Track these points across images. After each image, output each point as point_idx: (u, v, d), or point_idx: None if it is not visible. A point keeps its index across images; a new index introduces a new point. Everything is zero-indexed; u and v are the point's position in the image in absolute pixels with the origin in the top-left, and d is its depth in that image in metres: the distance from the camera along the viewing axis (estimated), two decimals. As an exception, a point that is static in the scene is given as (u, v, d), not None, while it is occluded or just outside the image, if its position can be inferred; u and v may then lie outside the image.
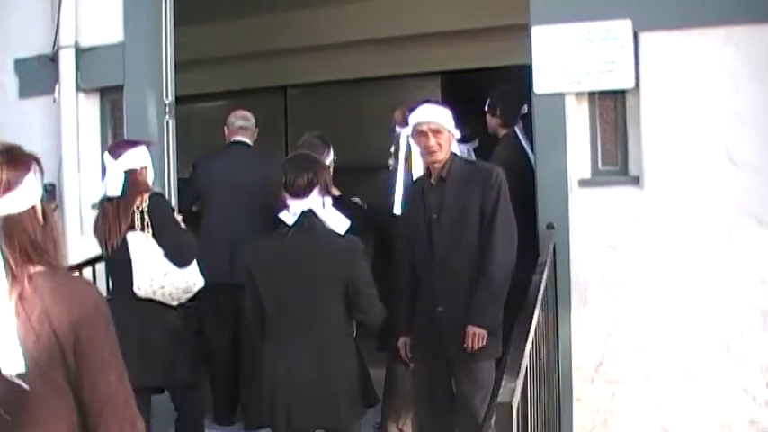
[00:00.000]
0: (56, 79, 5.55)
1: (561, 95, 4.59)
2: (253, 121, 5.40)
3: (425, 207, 3.91)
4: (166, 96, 5.47)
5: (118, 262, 4.09)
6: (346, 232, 3.51)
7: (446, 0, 7.98)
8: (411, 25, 8.13)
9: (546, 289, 3.65)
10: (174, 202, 5.21)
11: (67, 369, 1.85)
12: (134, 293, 4.01)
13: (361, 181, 5.36)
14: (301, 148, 4.35)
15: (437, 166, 3.90)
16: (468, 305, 3.75)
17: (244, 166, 5.18)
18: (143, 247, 4.03)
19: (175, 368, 4.08)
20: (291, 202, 3.45)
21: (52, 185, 5.52)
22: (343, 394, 3.44)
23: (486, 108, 5.26)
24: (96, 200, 5.51)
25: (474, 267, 3.80)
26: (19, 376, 1.78)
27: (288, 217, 3.46)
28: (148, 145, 4.35)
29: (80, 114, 5.61)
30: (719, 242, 4.38)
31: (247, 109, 5.50)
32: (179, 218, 4.36)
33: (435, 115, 3.89)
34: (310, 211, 3.45)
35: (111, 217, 4.07)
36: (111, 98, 5.66)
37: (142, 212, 4.05)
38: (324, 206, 3.49)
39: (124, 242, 4.04)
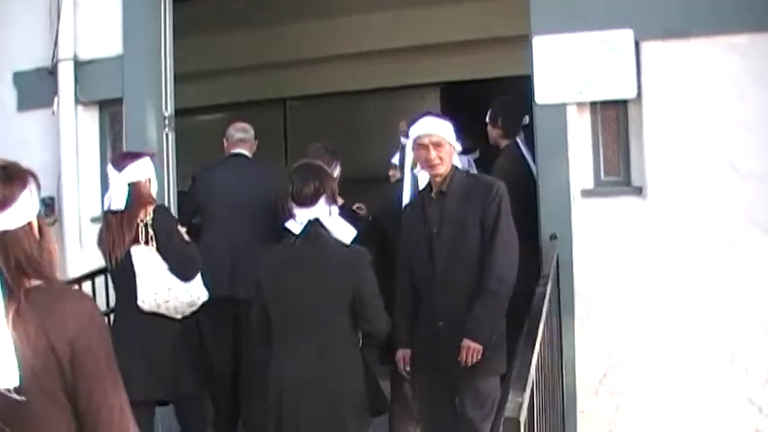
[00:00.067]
0: (54, 92, 5.54)
1: (563, 106, 4.57)
2: (252, 133, 5.36)
3: (426, 221, 3.86)
4: (166, 109, 5.46)
5: (122, 275, 4.07)
6: (352, 242, 3.49)
7: (445, 11, 7.99)
8: (410, 37, 8.14)
9: (549, 301, 3.61)
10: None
11: (65, 380, 1.87)
12: (138, 307, 3.99)
13: (361, 192, 5.33)
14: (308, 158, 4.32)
15: (438, 179, 3.86)
16: (466, 319, 3.71)
17: (243, 178, 5.15)
18: (147, 261, 4.01)
19: (181, 381, 4.07)
20: (298, 210, 3.44)
21: (51, 199, 5.50)
22: (350, 404, 3.42)
23: (487, 119, 5.23)
24: (96, 213, 5.54)
25: (475, 282, 3.75)
26: (16, 388, 1.80)
27: (294, 226, 3.45)
28: (152, 156, 4.34)
29: (79, 127, 5.59)
30: (724, 252, 4.35)
31: (247, 121, 5.46)
32: (183, 230, 4.35)
33: (436, 128, 3.84)
34: (317, 220, 3.44)
35: (116, 229, 4.05)
36: (110, 111, 5.65)
37: (146, 225, 4.03)
38: (330, 215, 3.48)
39: (128, 255, 4.02)
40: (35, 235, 1.94)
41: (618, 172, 4.61)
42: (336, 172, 4.51)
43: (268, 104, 9.15)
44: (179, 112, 5.62)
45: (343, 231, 3.49)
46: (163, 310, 4.03)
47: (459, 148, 3.95)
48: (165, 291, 4.01)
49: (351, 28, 8.37)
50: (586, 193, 4.59)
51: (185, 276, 4.08)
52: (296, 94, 9.23)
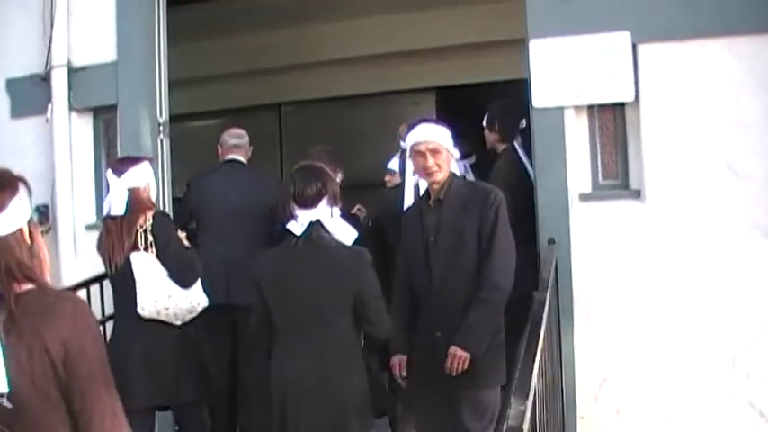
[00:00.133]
0: (48, 99, 5.51)
1: (560, 109, 4.55)
2: (247, 138, 5.33)
3: (423, 229, 3.81)
4: (160, 115, 5.44)
5: (121, 282, 4.06)
6: (353, 243, 3.48)
7: (440, 15, 7.98)
8: (405, 41, 8.12)
9: (549, 306, 3.58)
10: (170, 221, 5.15)
11: (59, 381, 1.90)
12: (138, 313, 3.98)
13: (356, 198, 5.30)
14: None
15: (436, 186, 3.80)
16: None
17: (238, 184, 5.12)
18: (147, 268, 4.00)
19: (181, 387, 4.05)
20: (299, 212, 3.42)
21: (45, 207, 5.47)
22: (353, 405, 3.39)
23: (484, 123, 5.20)
24: (91, 221, 5.51)
25: (472, 291, 3.68)
26: (11, 392, 1.85)
27: (296, 227, 3.43)
28: (151, 161, 4.33)
29: (73, 134, 5.56)
30: (723, 255, 4.33)
31: (241, 127, 5.44)
32: (182, 235, 4.33)
33: (433, 134, 3.77)
34: (318, 221, 3.42)
35: (115, 235, 4.04)
36: (104, 118, 5.62)
37: (146, 231, 4.01)
38: (332, 216, 3.46)
39: (128, 262, 4.00)
40: (26, 241, 1.97)
41: (616, 175, 4.59)
42: (339, 177, 4.48)
43: (263, 110, 9.13)
44: (173, 119, 5.59)
45: (345, 233, 3.47)
46: (163, 317, 4.02)
47: (457, 154, 3.91)
48: (165, 298, 4.00)
49: (345, 32, 8.35)
50: (584, 197, 4.57)
51: (185, 283, 4.07)
52: (290, 100, 9.22)
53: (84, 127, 5.63)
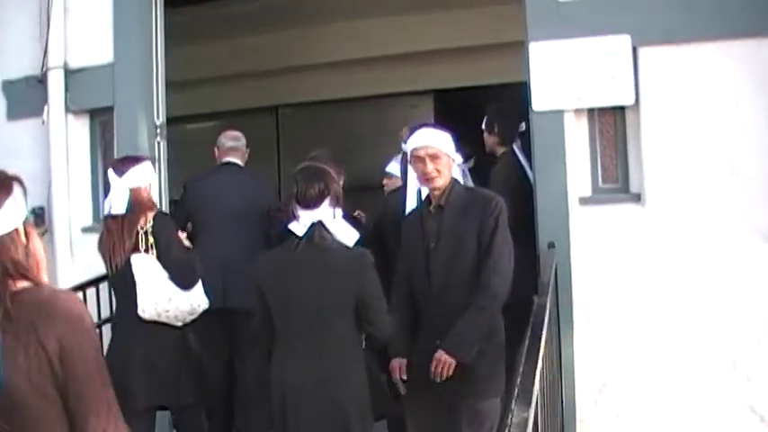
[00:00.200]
0: (45, 101, 5.48)
1: (560, 112, 4.53)
2: (244, 141, 5.31)
3: (424, 235, 3.76)
4: (158, 117, 5.41)
5: (122, 283, 4.04)
6: (355, 245, 3.46)
7: (437, 18, 7.96)
8: (403, 44, 8.10)
9: (549, 310, 3.55)
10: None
11: (56, 378, 1.93)
12: (138, 315, 3.97)
13: (353, 201, 5.26)
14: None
15: (437, 192, 3.75)
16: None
17: (235, 187, 5.09)
18: (147, 271, 3.99)
19: (182, 388, 4.04)
20: (302, 212, 3.40)
21: (41, 209, 5.44)
22: (353, 407, 3.37)
23: (483, 126, 5.18)
24: (87, 224, 5.49)
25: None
26: (5, 389, 1.89)
27: (298, 228, 3.41)
28: (153, 161, 4.30)
29: (69, 136, 5.53)
30: (724, 258, 4.31)
31: (238, 129, 5.41)
32: (183, 235, 4.31)
33: (433, 140, 3.71)
34: (320, 222, 3.40)
35: (116, 234, 4.02)
36: (101, 119, 5.60)
37: (146, 233, 4.00)
38: (334, 218, 3.44)
39: (128, 264, 3.99)
40: (21, 240, 2.00)
41: (616, 179, 4.58)
42: (342, 179, 4.44)
43: (260, 112, 9.10)
44: (171, 121, 5.57)
45: (347, 234, 3.45)
46: (163, 319, 4.01)
47: (459, 159, 3.86)
48: (166, 300, 4.00)
49: (343, 35, 8.33)
50: (584, 201, 4.55)
51: (185, 285, 4.06)
52: (288, 102, 9.18)
53: (80, 129, 5.61)
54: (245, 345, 4.96)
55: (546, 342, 3.10)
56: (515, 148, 5.04)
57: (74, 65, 5.49)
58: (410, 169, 3.99)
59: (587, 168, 4.59)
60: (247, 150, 5.33)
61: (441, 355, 3.52)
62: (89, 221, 5.54)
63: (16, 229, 1.99)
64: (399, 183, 4.85)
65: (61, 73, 5.46)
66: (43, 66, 5.48)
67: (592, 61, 4.45)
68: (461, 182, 3.98)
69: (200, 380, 4.17)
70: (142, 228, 3.99)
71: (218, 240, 4.92)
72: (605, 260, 4.48)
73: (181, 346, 4.09)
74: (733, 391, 4.31)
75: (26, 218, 2.04)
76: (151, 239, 3.99)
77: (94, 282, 4.55)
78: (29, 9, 5.57)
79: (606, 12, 4.46)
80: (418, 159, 3.72)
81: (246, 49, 8.55)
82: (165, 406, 4.20)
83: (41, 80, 5.50)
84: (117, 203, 4.02)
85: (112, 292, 4.32)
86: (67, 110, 5.50)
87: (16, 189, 2.00)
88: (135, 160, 4.19)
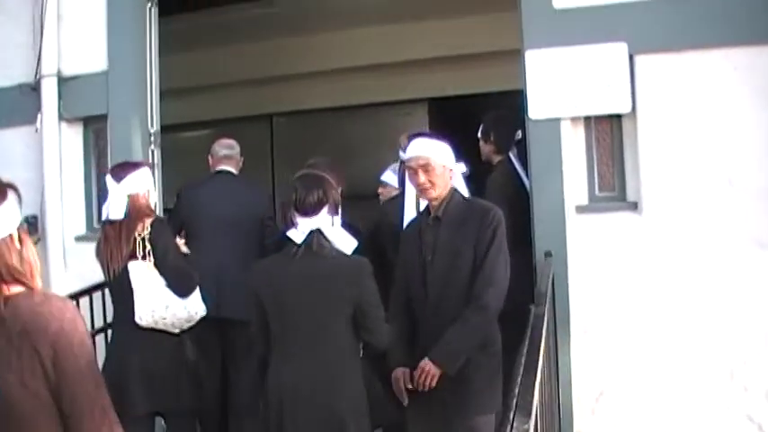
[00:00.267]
0: (38, 108, 5.44)
1: (556, 120, 4.51)
2: (238, 149, 5.28)
3: (421, 247, 3.72)
4: (151, 125, 5.40)
5: (119, 290, 4.03)
6: (353, 253, 3.45)
7: (432, 26, 7.94)
8: (398, 51, 8.08)
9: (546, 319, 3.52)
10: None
11: (48, 381, 1.97)
12: (135, 322, 3.95)
13: (348, 209, 5.23)
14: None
15: (435, 203, 3.70)
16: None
17: (228, 195, 5.07)
18: (144, 278, 3.97)
19: (179, 395, 4.03)
20: (300, 220, 3.39)
21: (34, 218, 5.40)
22: (350, 414, 3.35)
23: (479, 134, 5.14)
24: (81, 232, 5.45)
25: None
26: (1, 391, 1.95)
27: (296, 235, 3.40)
28: (150, 167, 4.31)
29: (63, 144, 5.50)
30: (721, 267, 4.29)
31: (233, 137, 5.39)
32: (181, 242, 4.28)
33: (425, 150, 3.66)
34: (319, 230, 3.39)
35: (113, 241, 4.00)
36: (94, 127, 5.57)
37: (143, 239, 3.98)
38: (333, 225, 3.43)
39: (125, 270, 3.97)
40: (16, 246, 2.05)
41: (613, 187, 4.56)
42: (340, 188, 4.41)
43: (254, 121, 9.07)
44: (164, 129, 5.54)
45: (345, 242, 3.44)
46: (161, 326, 4.00)
47: (463, 168, 3.80)
48: (163, 308, 3.98)
49: (338, 43, 8.32)
50: (581, 209, 4.53)
51: (183, 292, 4.04)
52: (282, 110, 9.16)
53: (74, 137, 5.57)
54: (240, 353, 4.94)
55: (544, 352, 3.08)
56: (512, 156, 5.01)
57: (67, 72, 5.46)
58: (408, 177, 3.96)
59: (584, 177, 4.57)
60: (241, 159, 5.31)
61: (426, 364, 3.50)
62: (82, 230, 5.50)
63: (10, 235, 2.04)
64: (394, 192, 4.84)
65: (55, 81, 5.42)
66: (36, 73, 5.45)
67: (588, 69, 4.43)
68: (467, 191, 3.95)
69: (198, 387, 4.15)
70: (140, 234, 3.98)
71: (211, 249, 4.89)
72: (602, 269, 4.46)
73: (178, 353, 4.07)
74: (730, 400, 4.28)
75: (20, 224, 2.08)
76: (149, 246, 3.98)
77: (87, 291, 4.52)
78: (22, 16, 5.53)
79: (603, 19, 4.44)
80: (411, 170, 3.70)
81: (241, 57, 8.53)
82: (161, 413, 4.18)
83: (35, 88, 5.46)
84: (115, 209, 4.00)
85: (109, 299, 4.30)
86: (61, 118, 5.46)
87: (11, 195, 2.03)
88: (133, 166, 4.18)
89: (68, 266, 5.37)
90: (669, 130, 4.37)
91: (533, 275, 4.29)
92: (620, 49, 4.39)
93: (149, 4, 5.41)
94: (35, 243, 5.11)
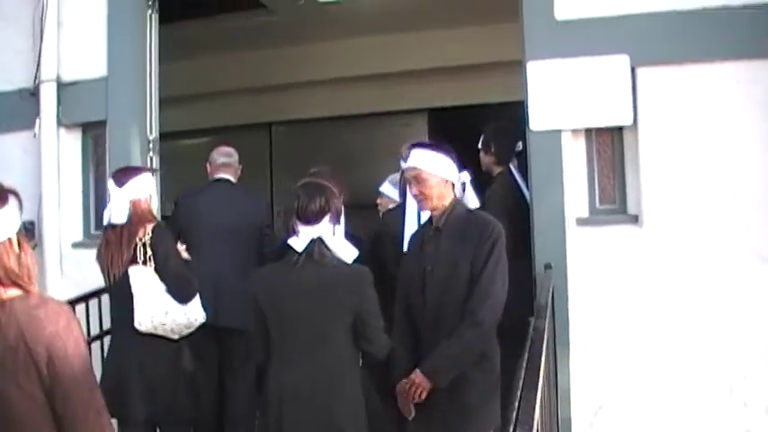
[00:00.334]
0: (36, 114, 5.42)
1: (557, 132, 4.50)
2: (236, 157, 5.27)
3: (422, 258, 3.68)
4: (150, 132, 5.38)
5: (119, 295, 4.02)
6: (354, 262, 3.43)
7: (432, 36, 7.94)
8: (397, 62, 8.09)
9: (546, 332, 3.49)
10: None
11: (43, 383, 2.00)
12: (135, 328, 3.94)
13: (347, 219, 5.20)
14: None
15: (436, 214, 3.66)
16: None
17: (226, 203, 5.05)
18: (145, 283, 3.96)
19: (177, 401, 4.02)
20: (302, 228, 3.38)
21: (31, 224, 5.37)
22: (349, 423, 3.34)
23: (479, 145, 5.12)
24: (78, 239, 5.42)
25: None
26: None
27: (298, 243, 3.38)
28: (153, 172, 4.32)
29: (61, 150, 5.48)
30: (722, 281, 4.28)
31: (231, 145, 5.37)
32: (182, 248, 4.26)
33: (419, 161, 3.61)
34: (320, 239, 3.38)
35: (114, 246, 4.00)
36: (93, 134, 5.54)
37: (144, 245, 3.98)
38: (334, 234, 3.42)
39: (126, 276, 3.96)
40: (14, 250, 2.09)
41: (613, 200, 4.55)
42: (342, 197, 4.38)
43: (253, 129, 9.07)
44: (163, 136, 5.53)
45: (346, 251, 3.43)
46: (160, 332, 3.99)
47: (467, 177, 3.77)
48: (162, 314, 3.97)
49: (337, 53, 8.32)
50: (581, 222, 4.52)
51: (183, 298, 4.03)
52: (281, 119, 9.17)
53: (72, 143, 5.55)
54: (237, 362, 4.92)
55: (543, 365, 3.05)
56: (512, 167, 4.99)
57: (67, 78, 5.44)
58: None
59: (584, 189, 4.55)
60: (240, 167, 5.30)
61: (416, 376, 3.47)
62: (79, 237, 5.47)
63: (9, 239, 2.08)
64: (391, 204, 4.81)
65: (54, 86, 5.40)
66: (36, 78, 5.42)
67: (590, 81, 4.43)
68: (479, 201, 3.91)
69: (195, 397, 4.14)
70: (141, 239, 3.98)
71: (209, 257, 4.85)
72: (602, 282, 4.44)
73: (176, 361, 4.06)
74: (730, 415, 4.27)
75: (19, 228, 2.12)
76: (149, 252, 3.97)
77: (84, 298, 4.49)
78: (22, 21, 5.51)
79: (604, 31, 4.43)
80: (407, 181, 3.69)
81: (240, 66, 8.54)
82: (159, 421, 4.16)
83: (34, 93, 5.44)
84: (117, 214, 4.00)
85: (106, 306, 4.29)
86: (59, 123, 5.44)
87: (12, 200, 2.08)
88: (136, 171, 4.18)
89: (65, 273, 5.34)
90: (671, 143, 4.36)
91: (533, 288, 4.26)
92: (623, 61, 4.38)
93: (150, 11, 5.40)
94: (32, 249, 5.13)
